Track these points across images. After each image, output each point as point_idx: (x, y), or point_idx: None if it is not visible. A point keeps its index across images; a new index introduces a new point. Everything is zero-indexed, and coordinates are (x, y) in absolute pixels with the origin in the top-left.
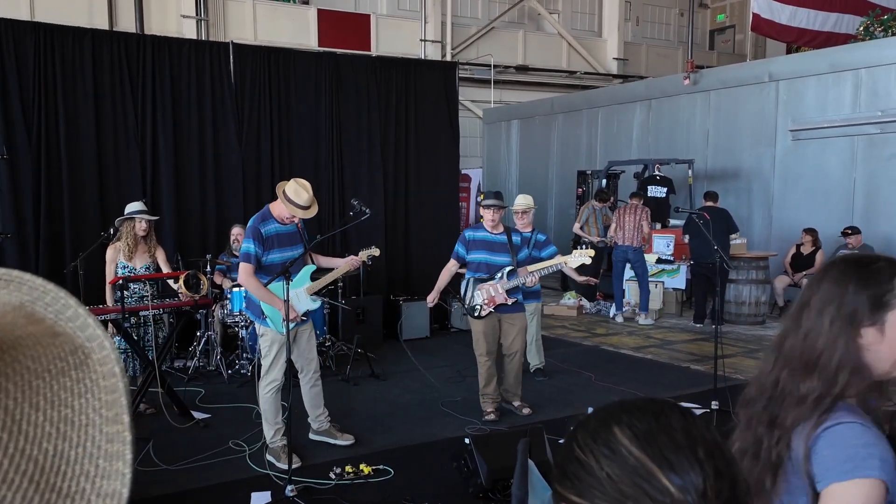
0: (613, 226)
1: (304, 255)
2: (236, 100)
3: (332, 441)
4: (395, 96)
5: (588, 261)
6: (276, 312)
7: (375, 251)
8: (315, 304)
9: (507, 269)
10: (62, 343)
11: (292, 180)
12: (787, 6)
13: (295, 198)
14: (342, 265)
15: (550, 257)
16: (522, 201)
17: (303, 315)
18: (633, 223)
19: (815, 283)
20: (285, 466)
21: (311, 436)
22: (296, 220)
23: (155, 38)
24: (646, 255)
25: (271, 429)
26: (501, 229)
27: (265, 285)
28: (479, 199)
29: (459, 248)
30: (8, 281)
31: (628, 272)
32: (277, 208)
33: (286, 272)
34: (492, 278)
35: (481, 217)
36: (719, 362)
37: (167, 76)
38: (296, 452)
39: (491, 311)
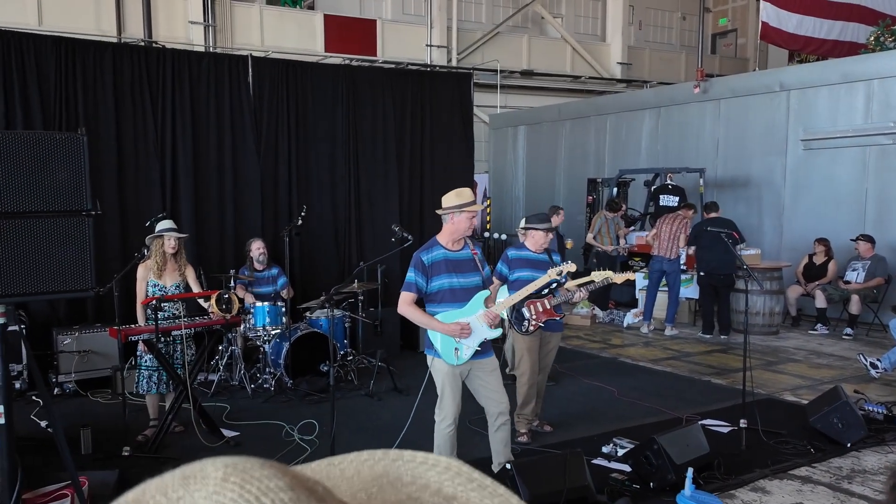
0: (654, 233)
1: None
2: (254, 112)
3: None
4: (409, 106)
5: (633, 276)
6: (447, 341)
7: (571, 266)
8: (494, 333)
9: (553, 285)
10: None
11: (445, 196)
12: (794, 14)
13: (461, 199)
14: (545, 277)
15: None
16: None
17: (479, 346)
18: (669, 233)
19: None
20: None
21: None
22: (475, 224)
23: (175, 51)
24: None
25: None
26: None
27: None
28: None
29: (503, 267)
30: (494, 494)
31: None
32: (447, 232)
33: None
34: (538, 294)
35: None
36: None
37: (186, 89)
38: None
39: (539, 327)
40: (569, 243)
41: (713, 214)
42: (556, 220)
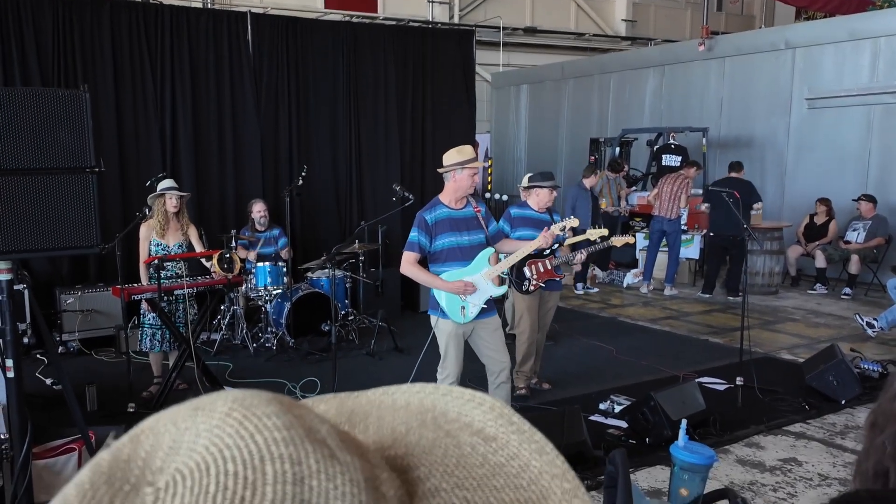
0: (654, 192)
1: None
2: (254, 71)
3: None
4: (411, 64)
5: (632, 240)
6: (453, 300)
7: (574, 221)
8: (499, 291)
9: (554, 245)
10: None
11: (446, 154)
12: None
13: (463, 156)
14: (533, 242)
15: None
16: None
17: (484, 304)
18: (670, 193)
19: None
20: None
21: None
22: (477, 181)
23: (173, 7)
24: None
25: None
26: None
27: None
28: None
29: (504, 224)
30: (531, 440)
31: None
32: (450, 190)
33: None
34: (540, 255)
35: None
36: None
37: (185, 47)
38: None
39: (540, 287)
40: (603, 203)
41: (732, 174)
42: (591, 181)
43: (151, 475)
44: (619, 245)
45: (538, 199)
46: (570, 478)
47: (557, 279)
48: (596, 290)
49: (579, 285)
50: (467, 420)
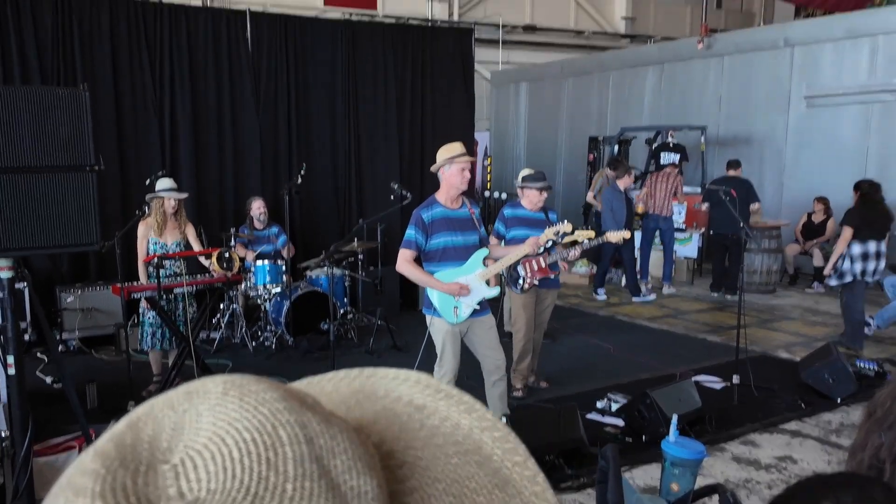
0: (645, 191)
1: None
2: (253, 69)
3: None
4: (410, 62)
5: (628, 235)
6: (445, 300)
7: (568, 226)
8: (492, 292)
9: (548, 242)
10: (504, 487)
11: (440, 150)
12: None
13: (451, 152)
14: (523, 248)
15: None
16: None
17: (477, 304)
18: (664, 191)
19: None
20: None
21: None
22: (467, 177)
23: (172, 6)
24: None
25: None
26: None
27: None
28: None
29: (500, 226)
30: (459, 402)
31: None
32: (444, 188)
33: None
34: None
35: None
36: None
37: (184, 45)
38: None
39: (534, 285)
40: (639, 207)
41: (730, 172)
42: (626, 182)
43: (162, 455)
44: (614, 241)
45: (529, 199)
46: (500, 426)
47: (552, 276)
48: (653, 297)
49: (601, 290)
50: (395, 395)
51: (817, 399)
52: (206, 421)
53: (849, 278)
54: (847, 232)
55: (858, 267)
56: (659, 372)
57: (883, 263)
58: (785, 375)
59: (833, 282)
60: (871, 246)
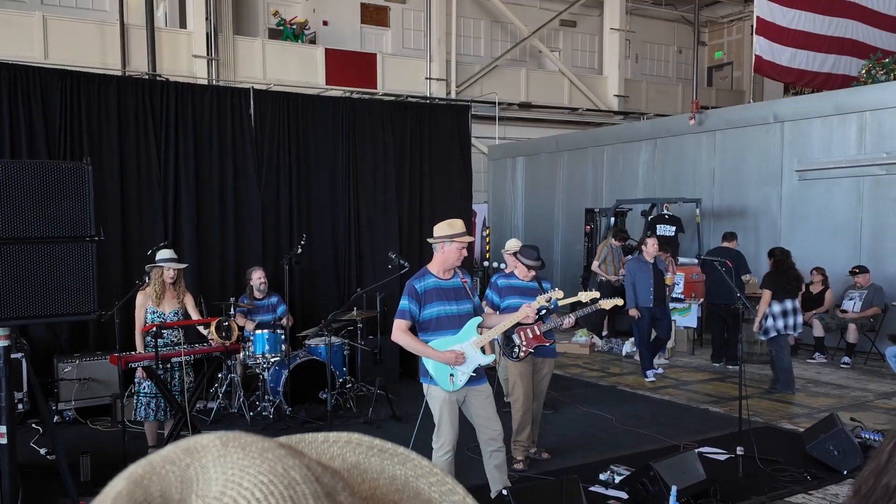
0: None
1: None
2: (256, 144)
3: None
4: (409, 138)
5: (620, 302)
6: (441, 368)
7: (559, 293)
8: (487, 359)
9: (542, 311)
10: None
11: (437, 226)
12: (788, 48)
13: (453, 229)
14: (517, 315)
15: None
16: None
17: (473, 371)
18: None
19: None
20: None
21: None
22: (464, 255)
23: (178, 84)
24: None
25: None
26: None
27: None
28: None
29: (493, 295)
30: (394, 454)
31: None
32: (438, 262)
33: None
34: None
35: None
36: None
37: (189, 121)
38: None
39: (530, 353)
40: (668, 279)
41: (724, 244)
42: (651, 251)
43: None
44: (607, 307)
45: (521, 271)
46: (436, 471)
47: (548, 344)
48: (661, 371)
49: (649, 373)
50: (328, 457)
51: (823, 471)
52: (217, 471)
53: (773, 333)
54: (766, 294)
55: (780, 323)
56: (662, 443)
57: (800, 318)
58: (789, 447)
59: (762, 337)
60: (788, 304)
